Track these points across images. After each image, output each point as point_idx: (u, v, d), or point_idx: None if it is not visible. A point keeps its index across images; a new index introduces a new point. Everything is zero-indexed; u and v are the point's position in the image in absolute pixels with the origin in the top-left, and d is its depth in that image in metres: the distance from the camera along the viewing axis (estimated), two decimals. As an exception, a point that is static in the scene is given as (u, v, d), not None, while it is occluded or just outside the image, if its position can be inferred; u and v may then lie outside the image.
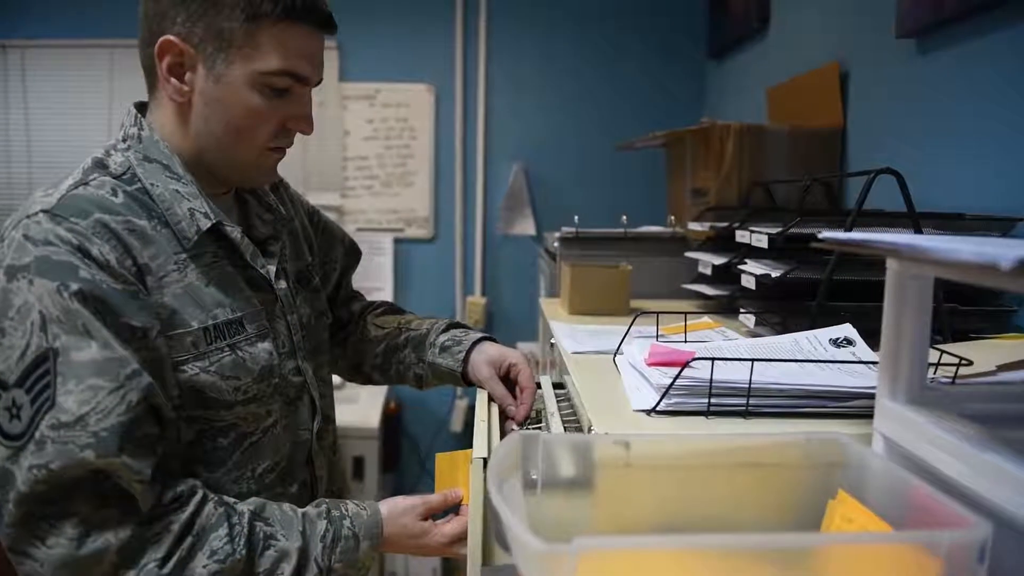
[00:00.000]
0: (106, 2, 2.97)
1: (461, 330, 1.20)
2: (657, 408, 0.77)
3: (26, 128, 3.03)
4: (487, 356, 1.12)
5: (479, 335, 1.17)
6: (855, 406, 0.76)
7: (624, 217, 1.78)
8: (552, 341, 1.24)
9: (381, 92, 3.01)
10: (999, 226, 1.13)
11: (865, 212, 1.08)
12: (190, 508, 0.83)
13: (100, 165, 0.90)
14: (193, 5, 0.86)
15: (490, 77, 3.03)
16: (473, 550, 0.82)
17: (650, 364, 0.84)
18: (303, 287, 1.09)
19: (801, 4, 2.04)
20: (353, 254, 1.32)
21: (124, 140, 0.93)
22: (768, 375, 0.78)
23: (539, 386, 1.11)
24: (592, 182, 3.03)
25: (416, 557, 2.78)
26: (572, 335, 1.20)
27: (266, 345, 0.95)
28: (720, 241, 1.48)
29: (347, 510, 0.94)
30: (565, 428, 1.07)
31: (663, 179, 2.25)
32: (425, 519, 0.97)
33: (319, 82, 0.97)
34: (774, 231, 1.15)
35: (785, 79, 2.02)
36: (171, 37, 0.87)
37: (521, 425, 1.05)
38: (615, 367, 0.97)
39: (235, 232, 0.94)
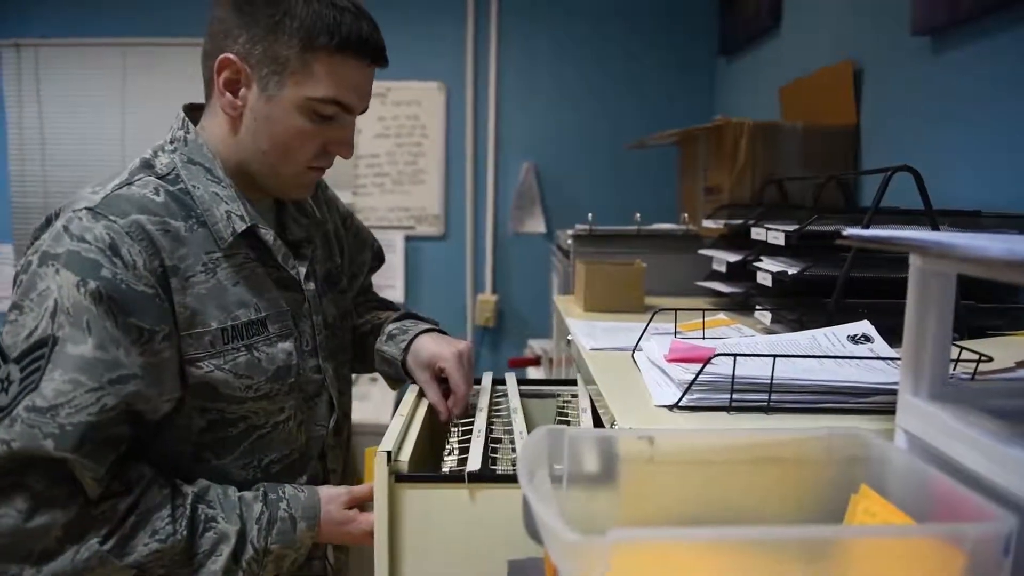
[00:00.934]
0: (119, 1, 2.99)
1: (411, 320, 1.21)
2: (679, 404, 0.78)
3: (40, 126, 3.06)
4: (420, 359, 1.11)
5: (423, 327, 1.17)
6: (876, 402, 0.76)
7: (638, 215, 1.79)
8: (569, 338, 1.25)
9: (392, 90, 3.03)
10: (1016, 223, 1.14)
11: (881, 210, 1.08)
12: (136, 491, 0.87)
13: (147, 165, 0.96)
14: (256, 29, 0.92)
15: (501, 75, 3.04)
16: (380, 542, 0.83)
17: (670, 360, 0.85)
18: (330, 288, 1.13)
19: (814, 2, 2.04)
20: (379, 259, 1.36)
21: (172, 142, 0.98)
22: (788, 371, 0.78)
23: (478, 382, 1.13)
24: (602, 180, 3.04)
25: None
26: (589, 332, 1.21)
27: (286, 345, 0.99)
28: (734, 238, 1.49)
29: (284, 493, 0.97)
30: (558, 419, 1.11)
31: (673, 177, 2.26)
32: (350, 508, 0.99)
33: (364, 110, 1.01)
34: (790, 228, 1.16)
35: (797, 77, 2.02)
36: (231, 56, 0.92)
37: (451, 423, 1.05)
38: (634, 363, 0.98)
39: (268, 235, 0.99)
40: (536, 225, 3.05)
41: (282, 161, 0.97)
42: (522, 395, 1.11)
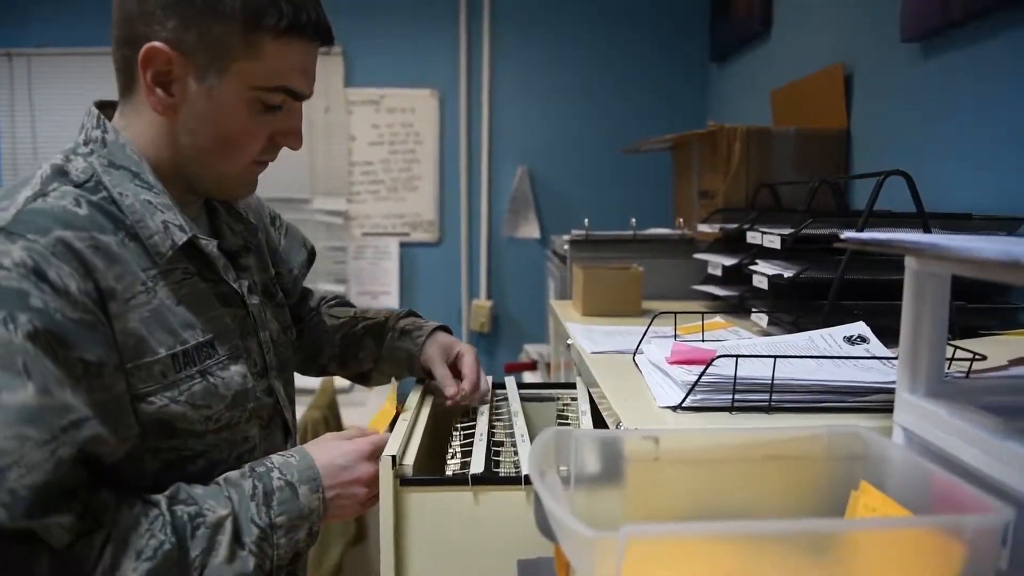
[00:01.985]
0: (110, 11, 3.00)
1: (420, 318, 1.21)
2: (683, 404, 0.80)
3: (32, 136, 3.06)
4: (439, 344, 1.13)
5: (437, 324, 1.18)
6: (874, 400, 0.78)
7: (633, 220, 1.81)
8: (569, 342, 1.27)
9: (386, 97, 3.04)
10: (1006, 225, 1.16)
11: (874, 213, 1.10)
12: (106, 522, 0.76)
13: (60, 173, 0.81)
14: (188, 10, 0.79)
15: (494, 81, 3.06)
16: (386, 545, 0.84)
17: (672, 362, 0.87)
18: (269, 301, 1.03)
19: (804, 7, 2.07)
20: (312, 256, 1.23)
21: (86, 144, 0.85)
22: (788, 371, 0.80)
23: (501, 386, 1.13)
24: (595, 184, 3.06)
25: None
26: (589, 336, 1.22)
27: (239, 368, 0.89)
28: (728, 242, 1.51)
29: (273, 463, 0.86)
30: (558, 422, 1.11)
31: (666, 181, 2.28)
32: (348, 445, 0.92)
33: (310, 96, 0.91)
34: (785, 232, 1.18)
35: (788, 81, 2.04)
36: (158, 44, 0.79)
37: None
38: (635, 366, 1.00)
39: (210, 246, 0.88)
40: (530, 230, 3.07)
41: (227, 159, 0.86)
42: (522, 399, 1.12)
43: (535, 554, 0.74)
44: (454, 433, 1.04)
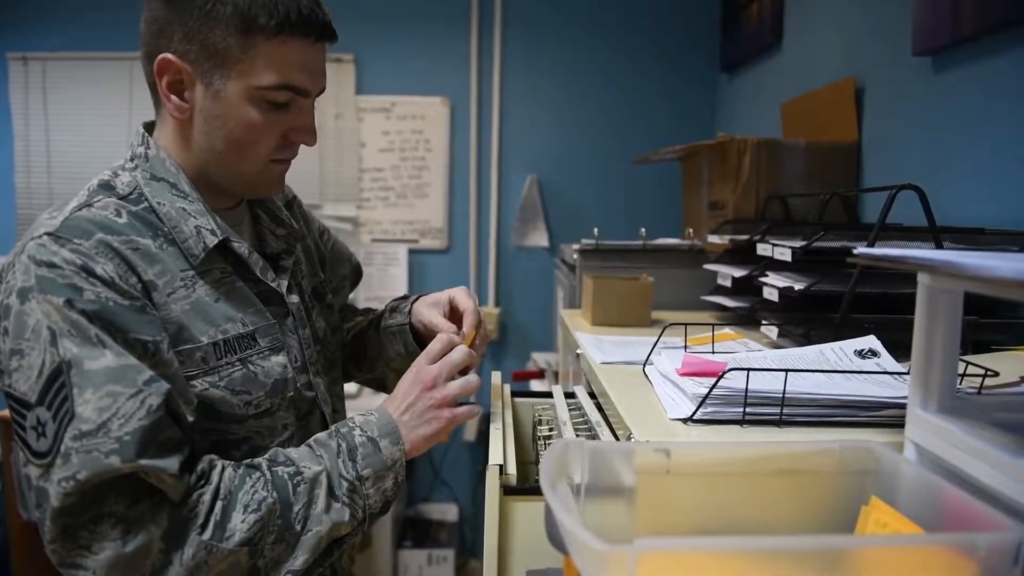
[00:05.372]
0: (125, 15, 3.02)
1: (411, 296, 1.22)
2: (694, 417, 0.80)
3: (46, 140, 3.08)
4: (428, 300, 1.14)
5: (420, 295, 1.19)
6: (885, 415, 0.78)
7: (643, 230, 1.81)
8: (578, 352, 1.27)
9: (397, 105, 3.05)
10: (1018, 240, 1.16)
11: (885, 226, 1.10)
12: (214, 481, 0.84)
13: (106, 187, 0.91)
14: (189, 22, 0.86)
15: (504, 90, 3.07)
16: (489, 555, 0.84)
17: (683, 374, 0.87)
18: (318, 302, 1.10)
19: (815, 20, 2.07)
20: (357, 274, 1.33)
21: (132, 160, 0.94)
22: (799, 385, 0.80)
23: (534, 395, 1.13)
24: (604, 194, 3.06)
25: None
26: (598, 346, 1.22)
27: (280, 358, 0.96)
28: (738, 254, 1.51)
29: (355, 422, 0.94)
30: (577, 436, 1.10)
31: (675, 191, 2.29)
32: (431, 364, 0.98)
33: (322, 91, 0.96)
34: (796, 244, 1.18)
35: (799, 94, 2.05)
36: (168, 56, 0.87)
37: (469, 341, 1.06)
38: (645, 377, 1.00)
39: (243, 248, 0.95)
40: (539, 238, 3.07)
41: (241, 159, 0.92)
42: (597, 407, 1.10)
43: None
44: (538, 441, 1.03)
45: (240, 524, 0.82)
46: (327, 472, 0.88)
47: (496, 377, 1.23)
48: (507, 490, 0.84)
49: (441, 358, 0.99)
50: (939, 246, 1.07)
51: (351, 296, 1.35)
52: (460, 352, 1.00)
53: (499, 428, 0.97)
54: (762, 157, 1.69)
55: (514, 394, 1.21)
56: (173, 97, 0.90)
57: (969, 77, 1.38)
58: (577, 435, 1.00)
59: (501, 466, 0.84)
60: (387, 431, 0.93)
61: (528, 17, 3.05)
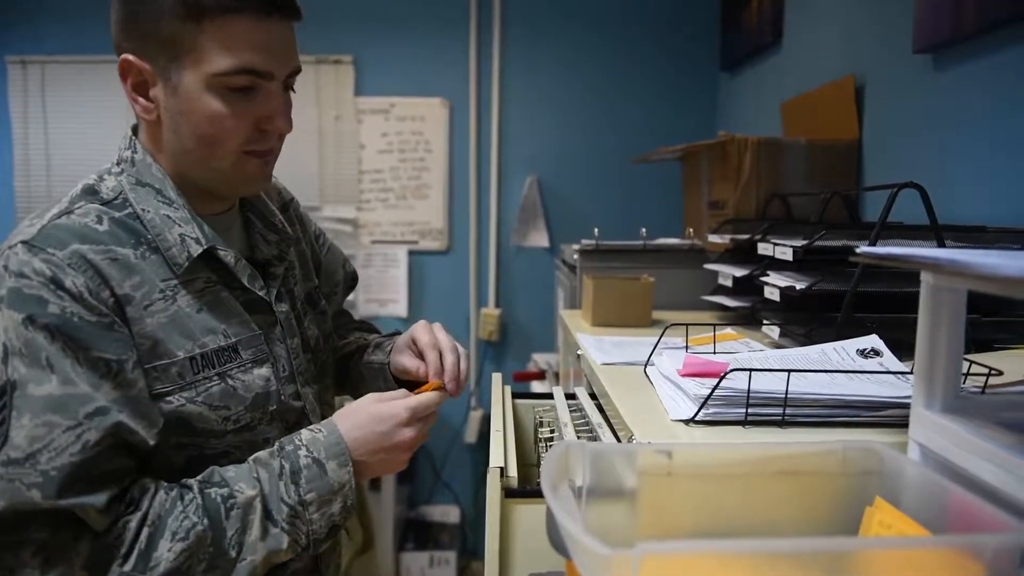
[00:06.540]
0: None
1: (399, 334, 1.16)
2: (696, 418, 0.79)
3: (45, 142, 3.08)
4: (399, 345, 1.07)
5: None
6: (889, 415, 0.77)
7: (643, 230, 1.81)
8: (579, 352, 1.26)
9: (396, 106, 3.05)
10: (1020, 238, 1.15)
11: (886, 225, 1.10)
12: (143, 506, 0.80)
13: (90, 191, 0.88)
14: (137, 18, 0.83)
15: (504, 91, 3.07)
16: (490, 558, 0.83)
17: (685, 375, 0.86)
18: (311, 308, 1.07)
19: (815, 18, 2.07)
20: (352, 279, 1.27)
21: (118, 164, 0.90)
22: (802, 385, 0.80)
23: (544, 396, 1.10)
24: (604, 194, 3.06)
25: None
26: (599, 347, 1.22)
27: (263, 371, 0.92)
28: (739, 253, 1.50)
29: (301, 440, 0.88)
30: (578, 437, 1.10)
31: (675, 191, 2.28)
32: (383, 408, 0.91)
33: (292, 74, 0.89)
34: (798, 244, 1.17)
35: (799, 92, 2.04)
36: (129, 56, 0.84)
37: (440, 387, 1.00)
38: (646, 378, 0.99)
39: (229, 256, 0.91)
40: (539, 239, 3.07)
41: (212, 154, 0.87)
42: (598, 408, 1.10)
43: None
44: (539, 443, 1.03)
45: (167, 553, 0.79)
46: (262, 496, 0.84)
47: (497, 378, 1.23)
48: (508, 493, 0.84)
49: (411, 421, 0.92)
50: (941, 244, 1.07)
51: (350, 298, 1.33)
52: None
53: (500, 430, 0.97)
54: (763, 156, 1.69)
55: (515, 395, 1.21)
56: (140, 99, 0.86)
57: (970, 75, 1.37)
58: (578, 437, 1.00)
59: (502, 469, 0.84)
60: (335, 452, 0.87)
61: (527, 17, 3.04)
